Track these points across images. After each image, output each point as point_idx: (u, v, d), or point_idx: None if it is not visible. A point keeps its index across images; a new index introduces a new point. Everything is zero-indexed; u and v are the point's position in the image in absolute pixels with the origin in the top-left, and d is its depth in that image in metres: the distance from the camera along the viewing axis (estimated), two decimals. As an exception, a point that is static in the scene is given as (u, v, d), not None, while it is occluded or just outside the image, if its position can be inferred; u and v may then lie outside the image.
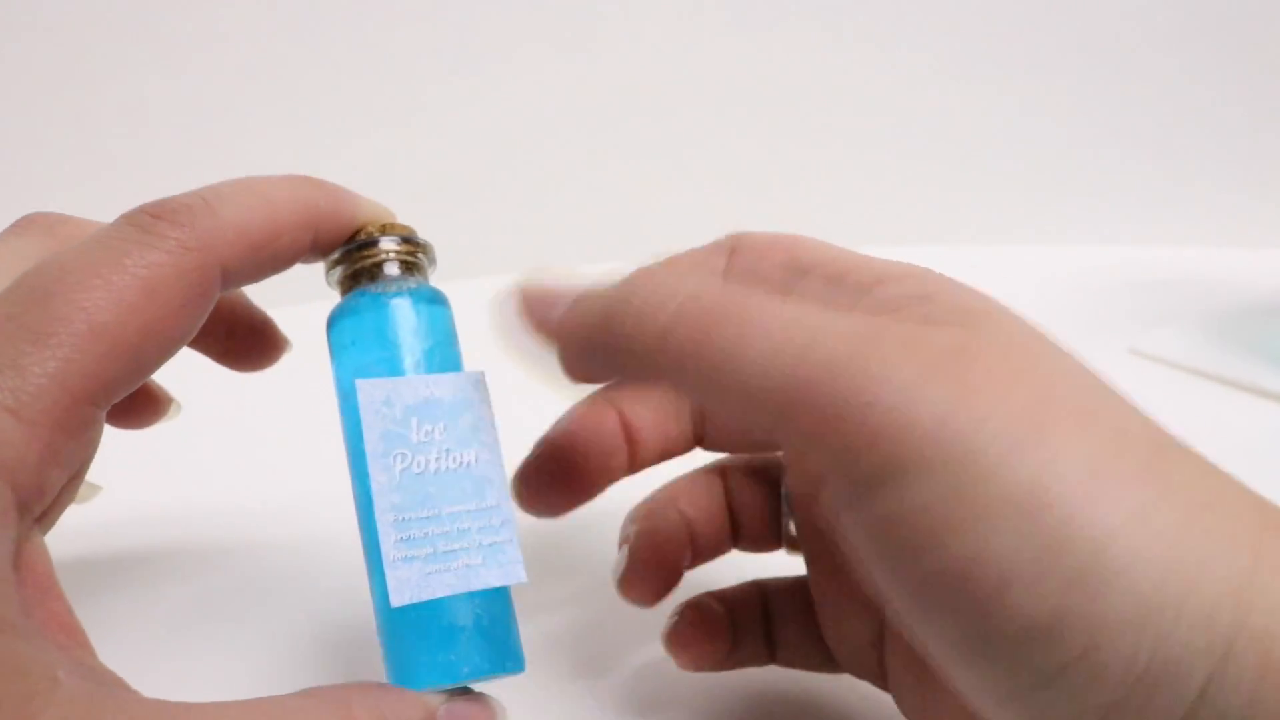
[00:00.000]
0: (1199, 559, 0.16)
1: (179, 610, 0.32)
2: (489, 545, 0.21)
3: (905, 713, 0.25)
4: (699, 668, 0.26)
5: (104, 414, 0.19)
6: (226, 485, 0.40)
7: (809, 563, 0.27)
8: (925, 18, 0.71)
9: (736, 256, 0.24)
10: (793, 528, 0.28)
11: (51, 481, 0.18)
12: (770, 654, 0.27)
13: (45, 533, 0.19)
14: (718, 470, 0.29)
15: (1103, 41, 0.72)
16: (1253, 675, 0.16)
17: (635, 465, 0.27)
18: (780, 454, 0.28)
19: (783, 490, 0.28)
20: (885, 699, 0.25)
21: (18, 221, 0.24)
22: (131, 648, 0.27)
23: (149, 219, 0.20)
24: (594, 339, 0.21)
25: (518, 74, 0.70)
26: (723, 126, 0.73)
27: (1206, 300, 0.58)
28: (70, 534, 0.20)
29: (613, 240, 0.73)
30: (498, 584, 0.21)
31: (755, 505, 0.28)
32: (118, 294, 0.19)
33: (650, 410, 0.27)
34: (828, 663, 0.27)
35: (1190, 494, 0.17)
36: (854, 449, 0.17)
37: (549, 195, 0.72)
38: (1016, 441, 0.17)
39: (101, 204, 0.25)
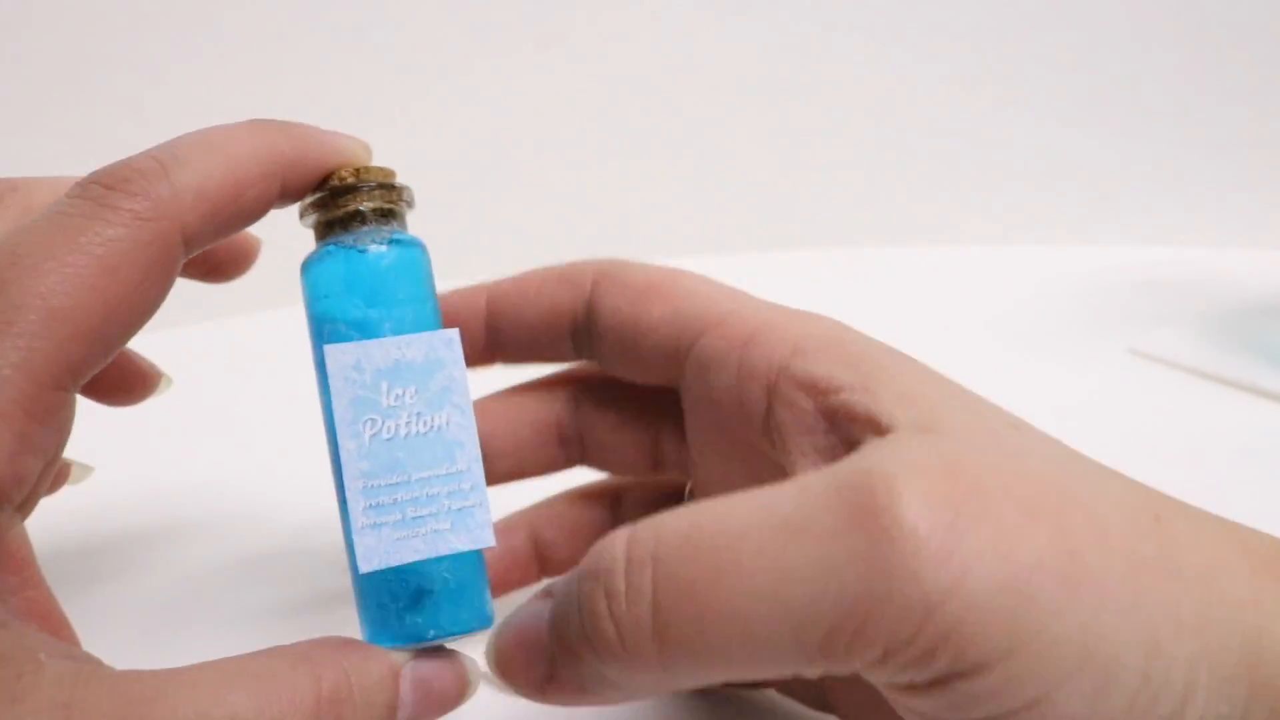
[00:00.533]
0: (1218, 635, 0.17)
1: (165, 591, 0.32)
2: (458, 510, 0.21)
3: None
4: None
5: (74, 395, 0.19)
6: (212, 464, 0.41)
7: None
8: (925, 17, 0.71)
9: (597, 314, 0.25)
10: None
11: (28, 469, 0.18)
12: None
13: (24, 519, 0.19)
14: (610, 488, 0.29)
15: (1103, 42, 0.72)
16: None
17: (546, 574, 0.28)
18: None
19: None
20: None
21: None
22: (118, 630, 0.28)
23: (101, 190, 0.19)
24: (598, 686, 0.19)
25: (513, 74, 0.70)
26: (722, 126, 0.73)
27: (1206, 300, 0.58)
28: (56, 516, 0.20)
29: (613, 240, 0.73)
30: (465, 548, 0.21)
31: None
32: (75, 275, 0.18)
33: (562, 532, 0.28)
34: (820, 701, 0.26)
35: (1196, 565, 0.17)
36: (915, 669, 0.17)
37: (547, 196, 0.72)
38: (1058, 596, 0.16)
39: None
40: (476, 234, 0.69)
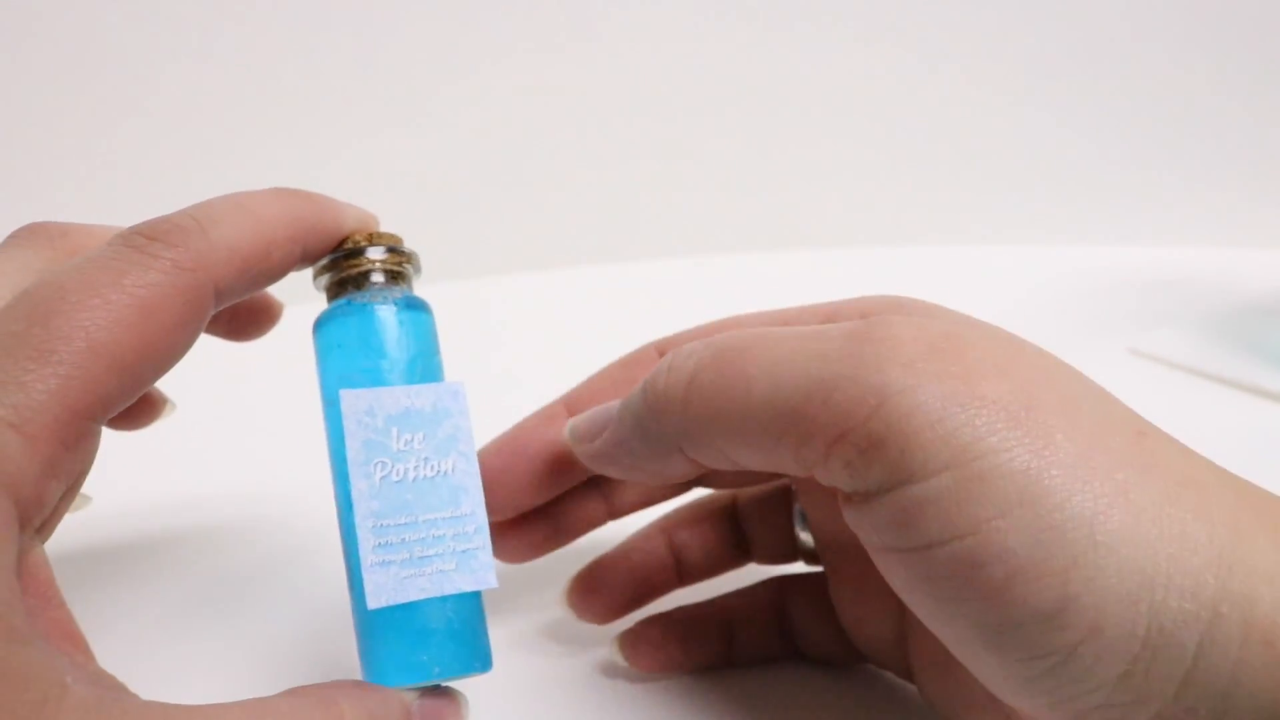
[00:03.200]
0: (1182, 532, 0.18)
1: (168, 607, 0.32)
2: (462, 551, 0.22)
3: (928, 701, 0.25)
4: (649, 670, 0.28)
5: (100, 427, 0.20)
6: (214, 482, 0.41)
7: (827, 569, 0.28)
8: (926, 17, 0.72)
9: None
10: (809, 539, 0.28)
11: (51, 493, 0.19)
12: (787, 647, 0.28)
13: (44, 542, 0.20)
14: (726, 497, 0.30)
15: (1103, 41, 0.72)
16: (1238, 636, 0.17)
17: (684, 581, 0.29)
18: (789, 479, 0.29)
19: (795, 508, 0.29)
20: (896, 693, 0.25)
21: (19, 232, 0.24)
22: (122, 644, 0.28)
23: (144, 239, 0.20)
24: (640, 424, 0.23)
25: (515, 74, 0.70)
26: (722, 127, 0.73)
27: (1206, 300, 0.58)
28: (61, 531, 0.20)
29: (613, 240, 0.74)
30: (469, 589, 0.22)
31: (767, 525, 0.29)
32: (116, 313, 0.19)
33: (697, 534, 0.29)
34: (850, 653, 0.28)
35: (1170, 473, 0.18)
36: (861, 462, 0.19)
37: (547, 196, 0.72)
38: (1009, 431, 0.18)
39: (99, 208, 0.25)
40: (476, 234, 0.70)
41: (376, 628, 0.22)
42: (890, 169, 0.75)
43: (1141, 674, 0.17)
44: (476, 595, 0.23)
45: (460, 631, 0.22)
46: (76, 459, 0.19)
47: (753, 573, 0.30)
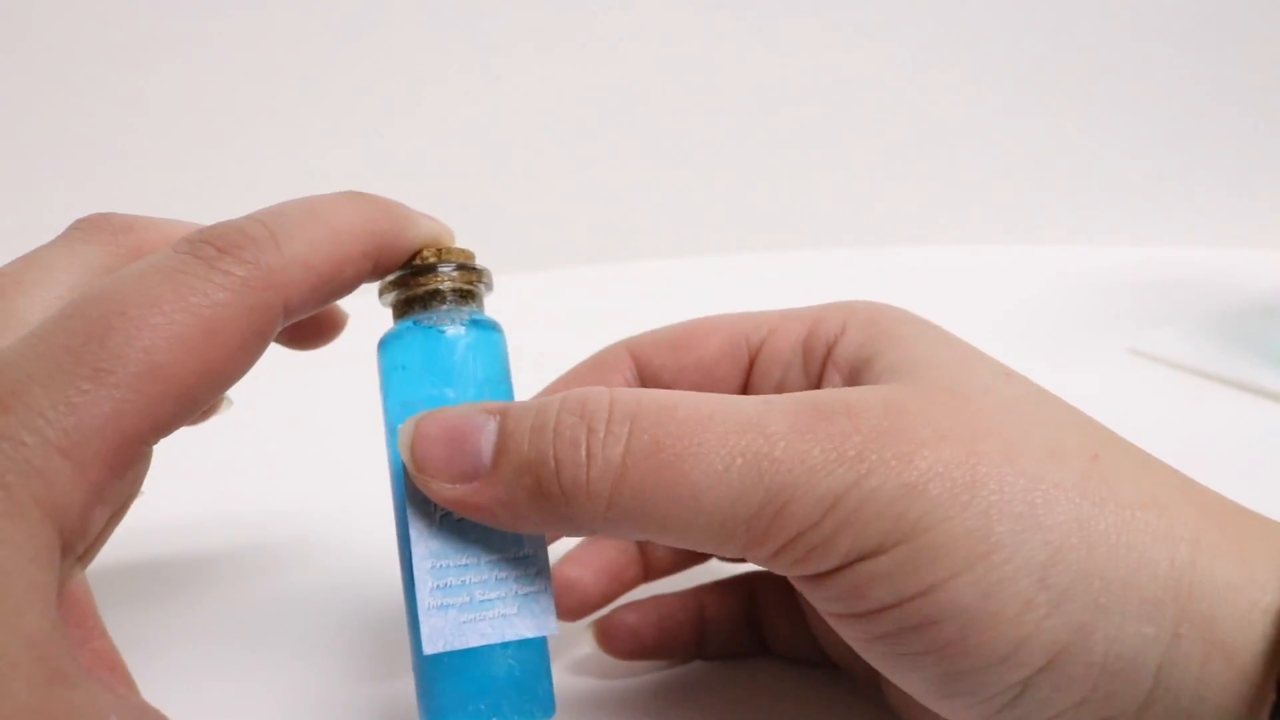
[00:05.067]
0: (1139, 559, 0.18)
1: (216, 632, 0.31)
2: (524, 595, 0.21)
3: (895, 709, 0.25)
4: (622, 657, 0.28)
5: (152, 449, 0.19)
6: (262, 492, 0.40)
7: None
8: (926, 17, 0.72)
9: (652, 374, 0.26)
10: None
11: (96, 520, 0.18)
12: (759, 645, 0.29)
13: (85, 568, 0.19)
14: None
15: (1103, 41, 0.72)
16: (1199, 655, 0.17)
17: (649, 576, 0.29)
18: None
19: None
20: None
21: (81, 223, 0.23)
22: (167, 673, 0.27)
23: (214, 251, 0.19)
24: (543, 499, 0.20)
25: (515, 73, 0.70)
26: (722, 126, 0.73)
27: (1206, 300, 0.58)
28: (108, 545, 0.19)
29: (613, 240, 0.74)
30: (531, 634, 0.21)
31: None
32: (179, 333, 0.18)
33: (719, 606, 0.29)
34: (820, 656, 0.28)
35: (1127, 498, 0.19)
36: (813, 557, 0.19)
37: (547, 196, 0.72)
38: (955, 498, 0.18)
39: (110, 199, 0.25)
40: (476, 234, 0.69)
41: (434, 671, 0.21)
42: (889, 169, 0.75)
43: (1101, 699, 0.18)
44: (542, 640, 0.22)
45: (521, 679, 0.21)
46: (124, 485, 0.18)
47: (734, 566, 0.30)
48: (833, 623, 0.20)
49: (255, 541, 0.36)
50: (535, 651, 0.21)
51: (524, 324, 0.59)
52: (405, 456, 0.20)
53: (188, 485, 0.34)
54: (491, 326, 0.23)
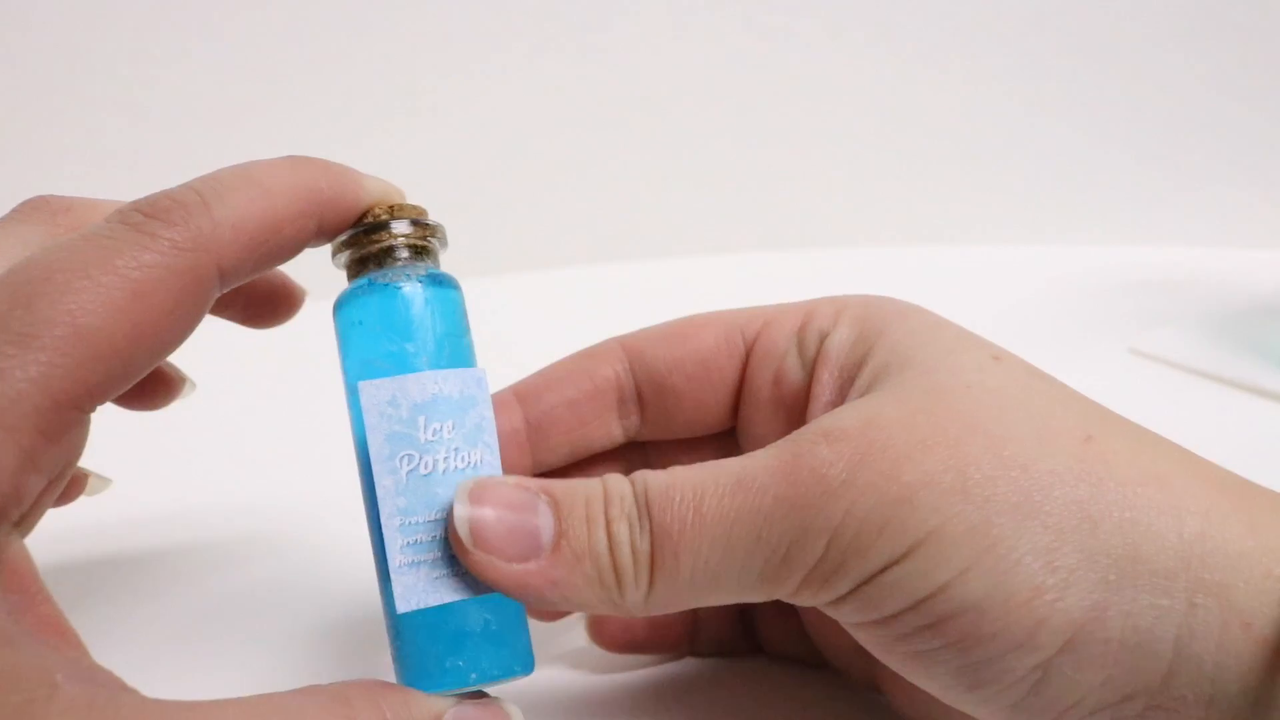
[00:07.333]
0: (1147, 532, 0.18)
1: (186, 612, 0.31)
2: None
3: (898, 710, 0.25)
4: (613, 649, 0.28)
5: (89, 417, 0.19)
6: (235, 483, 0.40)
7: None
8: (926, 17, 0.71)
9: (649, 366, 0.27)
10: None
11: (30, 486, 0.18)
12: (751, 643, 0.29)
13: (24, 536, 0.19)
14: None
15: (1103, 41, 0.72)
16: (1217, 623, 0.18)
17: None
18: None
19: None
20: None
21: (22, 205, 0.23)
22: (137, 650, 0.27)
23: (142, 217, 0.19)
24: (600, 587, 0.20)
25: (517, 72, 0.70)
26: (722, 126, 0.73)
27: (1206, 300, 0.58)
28: (74, 535, 0.19)
29: (613, 240, 0.73)
30: None
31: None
32: (105, 296, 0.18)
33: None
34: (814, 656, 0.27)
35: (1126, 475, 0.19)
36: (824, 588, 0.20)
37: (547, 196, 0.72)
38: (948, 501, 0.19)
39: (102, 191, 0.25)
40: (476, 234, 0.69)
41: (408, 632, 0.20)
42: (889, 169, 0.75)
43: (1124, 676, 0.18)
44: None
45: (498, 633, 0.21)
46: (60, 450, 0.18)
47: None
48: (851, 630, 0.21)
49: (223, 533, 0.36)
50: (511, 606, 0.21)
51: (523, 323, 0.59)
52: (464, 533, 0.20)
53: (156, 477, 0.34)
54: (448, 283, 0.22)
